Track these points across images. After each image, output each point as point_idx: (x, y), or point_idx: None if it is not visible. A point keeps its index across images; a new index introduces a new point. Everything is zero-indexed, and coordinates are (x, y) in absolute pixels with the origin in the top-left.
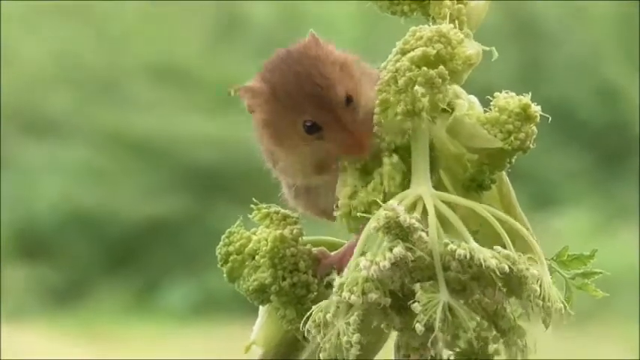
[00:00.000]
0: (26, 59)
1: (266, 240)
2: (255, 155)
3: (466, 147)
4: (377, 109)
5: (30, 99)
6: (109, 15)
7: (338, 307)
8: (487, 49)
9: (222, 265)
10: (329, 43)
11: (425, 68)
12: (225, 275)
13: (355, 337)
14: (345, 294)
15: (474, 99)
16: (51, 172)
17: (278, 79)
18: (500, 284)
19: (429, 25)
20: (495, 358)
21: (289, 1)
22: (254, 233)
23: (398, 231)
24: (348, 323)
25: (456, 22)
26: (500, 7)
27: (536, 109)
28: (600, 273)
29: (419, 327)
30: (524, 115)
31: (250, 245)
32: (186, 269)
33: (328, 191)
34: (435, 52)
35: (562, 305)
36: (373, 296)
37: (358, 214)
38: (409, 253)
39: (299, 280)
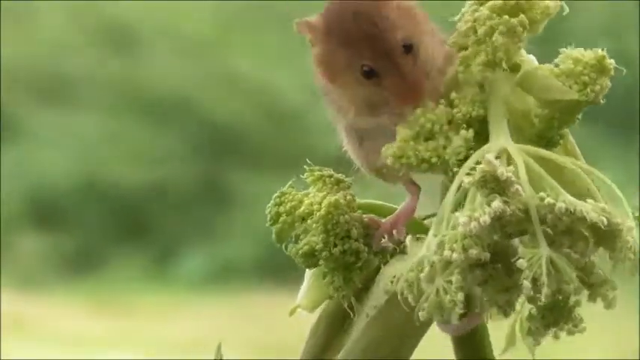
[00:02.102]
0: (37, 22)
1: (319, 204)
2: (272, 120)
3: (539, 100)
4: (460, 68)
5: (40, 65)
6: None
7: (432, 265)
8: (562, 1)
9: (271, 225)
10: None
11: (506, 17)
12: (274, 235)
13: (460, 296)
14: (447, 252)
15: (533, 57)
16: (63, 138)
17: (336, 16)
18: (591, 237)
19: None
20: (576, 309)
21: None
22: (306, 195)
23: (494, 185)
24: (449, 281)
25: None
26: None
27: (611, 61)
28: None
29: (526, 284)
30: (600, 67)
31: (302, 208)
32: (201, 237)
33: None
34: (515, 1)
35: None
36: (474, 252)
37: (404, 160)
38: (507, 208)
39: (350, 248)
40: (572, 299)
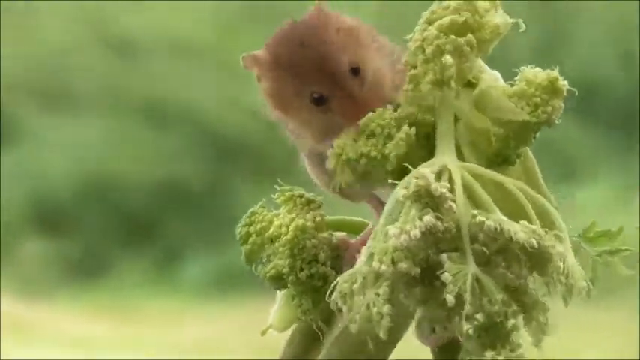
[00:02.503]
0: (40, 27)
1: (287, 227)
2: (277, 128)
3: (492, 120)
4: (408, 86)
5: (42, 68)
6: None
7: (365, 277)
8: (513, 20)
9: (241, 245)
10: (339, 13)
11: (453, 36)
12: (243, 256)
13: (386, 308)
14: (375, 263)
15: (497, 74)
16: (65, 142)
17: (282, 47)
18: (524, 259)
19: None
20: (514, 333)
21: None
22: (276, 216)
23: (428, 200)
24: (377, 294)
25: None
26: None
27: (563, 82)
28: (628, 250)
29: (449, 297)
30: (552, 89)
31: (271, 230)
32: (207, 241)
33: None
34: (463, 19)
35: (585, 284)
36: (403, 265)
37: (345, 157)
38: (439, 223)
39: (317, 272)
40: (510, 322)
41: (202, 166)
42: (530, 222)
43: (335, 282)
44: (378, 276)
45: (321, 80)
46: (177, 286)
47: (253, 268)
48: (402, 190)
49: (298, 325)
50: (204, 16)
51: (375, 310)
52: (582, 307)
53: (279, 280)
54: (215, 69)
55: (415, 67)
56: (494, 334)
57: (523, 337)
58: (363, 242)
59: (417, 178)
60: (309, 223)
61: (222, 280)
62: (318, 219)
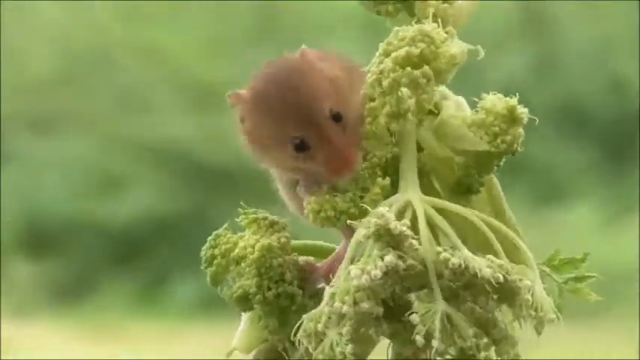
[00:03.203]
0: (30, 55)
1: (252, 247)
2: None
3: (452, 149)
4: (367, 119)
5: (35, 95)
6: (115, 10)
7: (329, 317)
8: (473, 47)
9: (205, 268)
10: (322, 55)
11: (409, 69)
12: (208, 278)
13: (349, 348)
14: (337, 304)
15: (461, 100)
16: (56, 168)
17: (264, 89)
18: (492, 293)
19: (413, 26)
20: None
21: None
22: (241, 238)
23: (388, 239)
24: (340, 334)
25: (441, 21)
26: (511, 3)
27: (523, 111)
28: (593, 277)
29: (419, 339)
30: (511, 118)
31: (236, 251)
32: (192, 266)
33: None
34: (418, 51)
35: (554, 315)
36: (365, 306)
37: (324, 214)
38: (400, 262)
39: (284, 291)
40: (482, 355)
41: (189, 191)
42: (497, 255)
43: (299, 321)
44: (341, 316)
45: (302, 125)
46: (163, 309)
47: (219, 290)
48: (362, 230)
49: (263, 347)
50: (191, 43)
51: (338, 349)
52: (585, 309)
53: (245, 301)
54: (202, 96)
55: (373, 99)
56: None
57: None
58: (329, 267)
59: (376, 217)
60: (274, 243)
61: (207, 303)
62: (283, 240)
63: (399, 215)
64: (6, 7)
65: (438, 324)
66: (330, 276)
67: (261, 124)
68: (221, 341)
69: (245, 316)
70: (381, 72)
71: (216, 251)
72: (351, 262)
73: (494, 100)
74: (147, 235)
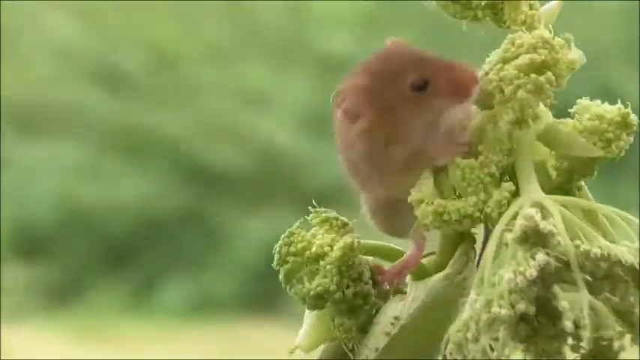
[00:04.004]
0: (25, 55)
1: (330, 245)
2: (255, 155)
3: (562, 155)
4: (488, 126)
5: (26, 96)
6: (113, 9)
7: (477, 324)
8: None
9: (279, 265)
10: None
11: (534, 75)
12: (281, 276)
13: (507, 351)
14: (495, 309)
15: (542, 107)
16: (48, 170)
17: (376, 70)
18: (629, 279)
19: (531, 33)
20: (621, 354)
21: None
22: (314, 236)
23: (536, 239)
24: (495, 339)
25: (528, 27)
26: None
27: (634, 117)
28: None
29: (568, 325)
30: (624, 124)
31: (313, 249)
32: (183, 267)
33: (411, 210)
34: (541, 58)
35: None
36: (521, 307)
37: (446, 217)
38: (551, 260)
39: (361, 290)
40: (617, 344)
41: (179, 193)
42: (631, 242)
43: (445, 335)
44: (492, 322)
45: (419, 67)
46: (154, 311)
47: (288, 288)
48: (507, 233)
49: (328, 346)
50: (189, 44)
51: (494, 354)
52: None
53: (321, 299)
54: (195, 96)
55: (490, 107)
56: (603, 358)
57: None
58: (398, 272)
59: (525, 220)
60: (355, 242)
61: (198, 305)
62: (357, 240)
63: (540, 215)
64: (5, 6)
65: (585, 312)
66: (393, 281)
67: (377, 90)
68: (211, 343)
69: (309, 316)
70: (502, 79)
71: (292, 248)
72: (494, 268)
73: (605, 107)
74: (137, 238)
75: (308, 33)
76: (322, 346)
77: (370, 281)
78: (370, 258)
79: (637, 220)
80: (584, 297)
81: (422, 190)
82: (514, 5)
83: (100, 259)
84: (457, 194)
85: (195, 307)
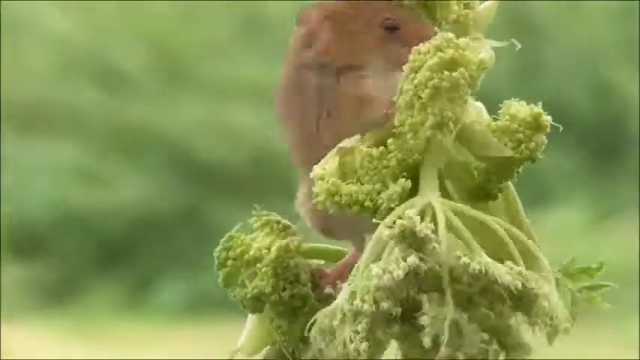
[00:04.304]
0: (23, 56)
1: (268, 249)
2: (251, 154)
3: (475, 155)
4: (409, 135)
5: (24, 96)
6: (111, 9)
7: (344, 314)
8: (498, 44)
9: (219, 269)
10: None
11: (447, 72)
12: (220, 280)
13: (364, 345)
14: (357, 302)
15: (481, 106)
16: (45, 170)
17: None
18: (508, 300)
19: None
20: None
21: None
22: (254, 239)
23: (412, 240)
24: (356, 331)
25: (463, 26)
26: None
27: (547, 118)
28: (608, 286)
29: (427, 340)
30: (535, 125)
31: (251, 252)
32: (179, 267)
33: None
34: (449, 55)
35: (569, 325)
36: (384, 305)
37: (337, 199)
38: (422, 264)
39: (298, 292)
40: None
41: (175, 193)
42: (515, 261)
43: (314, 318)
44: (357, 313)
45: (394, 11)
46: (150, 310)
47: (229, 291)
48: (386, 229)
49: (271, 349)
50: (188, 41)
51: (352, 346)
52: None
53: (258, 302)
54: (192, 96)
55: (410, 119)
56: None
57: None
58: (338, 274)
59: (402, 218)
60: (290, 245)
61: (194, 304)
62: (296, 242)
63: (419, 218)
64: (5, 6)
65: (446, 330)
66: (338, 283)
67: (348, 18)
68: (206, 342)
69: (251, 319)
70: (417, 86)
71: (231, 253)
72: (370, 261)
73: (518, 107)
74: (134, 238)
75: None
76: (264, 350)
77: (309, 284)
78: (314, 261)
79: (529, 242)
80: (448, 312)
81: (325, 168)
82: (445, 4)
83: (97, 258)
84: (356, 180)
85: (191, 307)
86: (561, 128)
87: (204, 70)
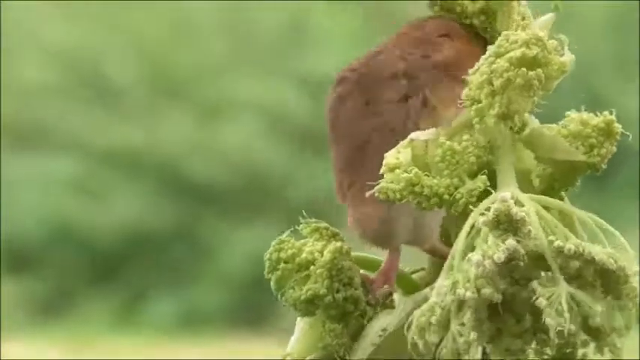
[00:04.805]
0: (19, 71)
1: (320, 252)
2: (241, 170)
3: (543, 159)
4: (475, 120)
5: (18, 112)
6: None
7: (443, 308)
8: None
9: (270, 273)
10: None
11: (524, 69)
12: (272, 283)
13: (473, 335)
14: (460, 291)
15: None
16: (37, 185)
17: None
18: (599, 284)
19: (525, 30)
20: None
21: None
22: (304, 244)
23: (507, 225)
24: (462, 324)
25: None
26: None
27: (618, 126)
28: None
29: (550, 321)
30: (608, 131)
31: (303, 255)
32: (171, 282)
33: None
34: (534, 53)
35: None
36: (487, 291)
37: (418, 189)
38: (520, 247)
39: (351, 295)
40: (580, 352)
41: (168, 209)
42: (603, 246)
43: (410, 318)
44: (460, 305)
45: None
46: (142, 324)
47: (280, 294)
48: (480, 216)
49: (319, 354)
50: (178, 58)
51: (461, 340)
52: None
53: (312, 304)
54: (184, 113)
55: (479, 101)
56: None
57: None
58: (387, 279)
59: (498, 202)
60: (344, 247)
61: (187, 319)
62: (347, 247)
63: (513, 201)
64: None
65: (565, 305)
66: (384, 287)
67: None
68: (198, 355)
69: (300, 323)
70: (493, 72)
71: (282, 255)
72: (465, 252)
73: (590, 114)
74: (126, 253)
75: (301, 49)
76: (314, 354)
77: (360, 288)
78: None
79: (612, 228)
80: (563, 289)
81: (399, 158)
82: (507, 13)
83: (91, 273)
84: (430, 173)
85: (184, 321)
86: (630, 137)
87: (197, 88)
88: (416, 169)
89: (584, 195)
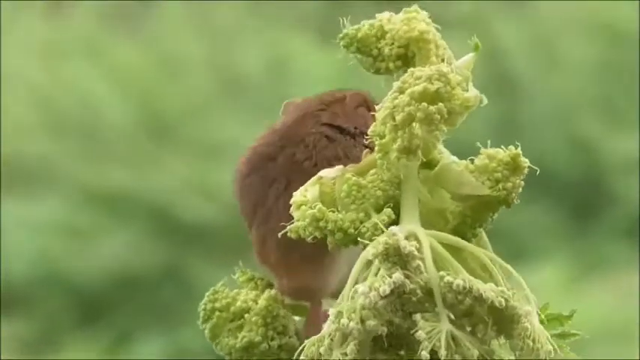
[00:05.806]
0: (3, 110)
1: (254, 300)
2: (228, 209)
3: (452, 195)
4: (378, 155)
5: (2, 152)
6: (93, 64)
7: (332, 339)
8: (480, 95)
9: (204, 322)
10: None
11: (424, 104)
12: (207, 332)
13: None
14: (344, 321)
15: (453, 157)
16: (24, 226)
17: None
18: (491, 322)
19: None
20: None
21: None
22: (238, 294)
23: (396, 259)
24: (344, 354)
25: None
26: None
27: (524, 160)
28: (577, 335)
29: (424, 354)
30: (514, 165)
31: (238, 304)
32: (159, 324)
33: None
34: (435, 88)
35: (551, 348)
36: (371, 323)
37: (322, 224)
38: (407, 281)
39: (286, 343)
40: None
41: (156, 250)
42: (497, 284)
43: (302, 346)
44: (345, 336)
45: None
46: None
47: (215, 345)
48: (371, 249)
49: None
50: (166, 98)
51: None
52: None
53: (247, 352)
54: (172, 154)
55: (383, 136)
56: None
57: None
58: (308, 330)
59: (387, 236)
60: (278, 296)
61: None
62: (280, 297)
63: (403, 235)
64: None
65: (443, 342)
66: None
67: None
68: None
69: None
70: (395, 107)
71: (217, 304)
72: (356, 283)
73: (497, 149)
74: (114, 294)
75: (287, 88)
76: None
77: (295, 335)
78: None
79: (507, 265)
80: (444, 326)
81: (306, 195)
82: (424, 56)
83: (77, 315)
84: (337, 208)
85: None
86: (538, 171)
87: (185, 128)
88: (320, 205)
89: (567, 239)
